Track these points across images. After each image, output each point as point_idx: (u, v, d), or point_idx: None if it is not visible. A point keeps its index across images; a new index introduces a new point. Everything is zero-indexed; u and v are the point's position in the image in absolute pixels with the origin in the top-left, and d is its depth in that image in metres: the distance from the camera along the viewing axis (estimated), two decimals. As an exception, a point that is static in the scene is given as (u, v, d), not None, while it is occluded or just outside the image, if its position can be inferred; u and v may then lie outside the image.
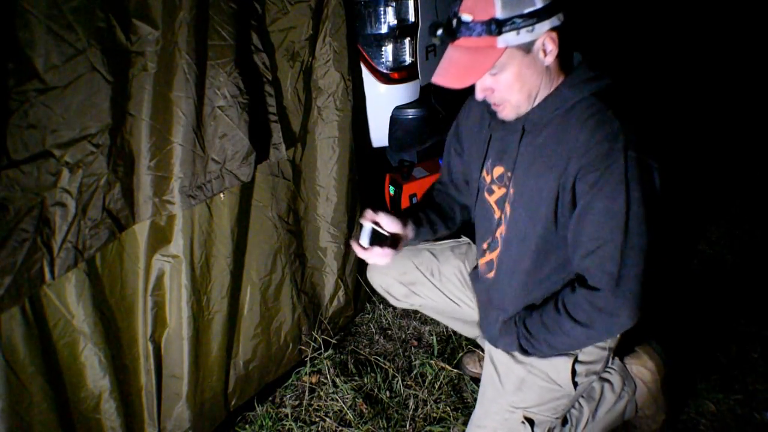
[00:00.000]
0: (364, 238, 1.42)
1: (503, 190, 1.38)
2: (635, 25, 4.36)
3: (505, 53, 1.18)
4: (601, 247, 1.19)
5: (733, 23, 4.42)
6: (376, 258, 1.44)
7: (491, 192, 1.43)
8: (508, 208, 1.37)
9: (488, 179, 1.43)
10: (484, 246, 1.48)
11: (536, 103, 1.27)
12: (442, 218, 1.61)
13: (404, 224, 1.49)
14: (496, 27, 1.15)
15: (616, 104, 1.22)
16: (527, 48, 1.19)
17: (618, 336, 1.48)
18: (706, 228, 2.61)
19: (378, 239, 1.43)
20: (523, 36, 1.16)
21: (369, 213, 1.44)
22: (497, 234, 1.42)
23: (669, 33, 4.42)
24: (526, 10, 1.15)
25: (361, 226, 1.45)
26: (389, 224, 1.45)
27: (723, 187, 2.90)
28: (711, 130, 3.42)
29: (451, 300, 1.70)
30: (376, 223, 1.44)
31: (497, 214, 1.42)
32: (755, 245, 2.51)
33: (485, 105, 1.37)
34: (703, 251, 2.49)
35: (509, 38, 1.16)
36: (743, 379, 1.88)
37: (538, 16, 1.15)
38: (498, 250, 1.43)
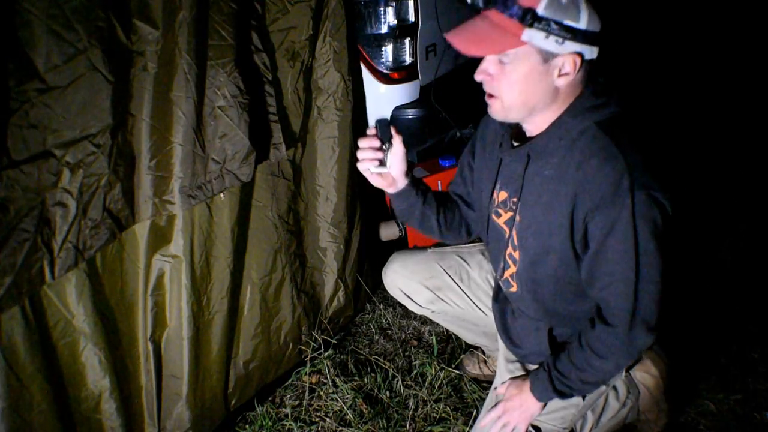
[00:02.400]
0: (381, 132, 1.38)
1: (510, 214, 1.36)
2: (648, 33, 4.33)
3: (524, 48, 1.12)
4: (614, 284, 1.19)
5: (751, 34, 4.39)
6: (366, 157, 1.39)
7: (498, 215, 1.40)
8: (515, 235, 1.35)
9: (496, 201, 1.40)
10: (501, 265, 1.44)
11: (535, 124, 1.24)
12: (440, 206, 1.52)
13: (405, 173, 1.43)
14: (530, 18, 1.09)
15: (621, 137, 1.18)
16: (546, 57, 1.13)
17: None
18: (707, 228, 2.60)
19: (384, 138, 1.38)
20: (550, 43, 1.11)
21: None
22: (506, 255, 1.39)
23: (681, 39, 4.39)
24: (566, 22, 1.09)
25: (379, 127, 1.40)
26: (398, 160, 1.40)
27: (723, 187, 2.90)
28: (711, 130, 3.42)
29: (478, 308, 1.63)
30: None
31: (507, 233, 1.39)
32: (756, 245, 2.50)
33: (500, 125, 1.35)
34: (704, 251, 2.48)
35: (535, 36, 1.10)
36: (743, 379, 1.88)
37: (573, 34, 1.10)
38: (512, 269, 1.39)
